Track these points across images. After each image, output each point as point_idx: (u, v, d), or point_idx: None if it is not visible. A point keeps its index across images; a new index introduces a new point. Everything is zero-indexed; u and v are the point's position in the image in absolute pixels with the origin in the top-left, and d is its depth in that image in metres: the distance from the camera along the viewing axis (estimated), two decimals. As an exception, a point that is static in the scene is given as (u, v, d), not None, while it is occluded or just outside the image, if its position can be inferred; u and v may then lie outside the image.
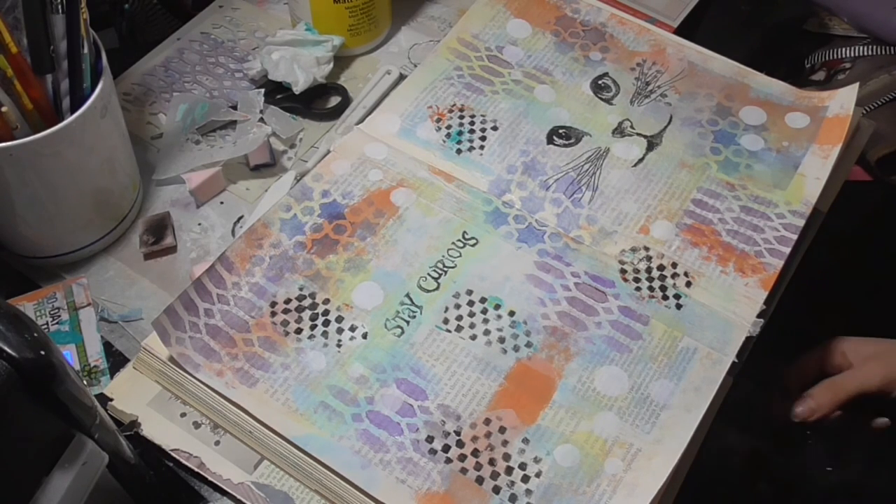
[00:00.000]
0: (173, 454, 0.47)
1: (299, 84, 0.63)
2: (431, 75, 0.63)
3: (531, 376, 0.49)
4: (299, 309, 0.51)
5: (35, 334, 0.32)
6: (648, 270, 0.54)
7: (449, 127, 0.60)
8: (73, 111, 0.50)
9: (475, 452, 0.46)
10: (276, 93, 0.65)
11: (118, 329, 0.54)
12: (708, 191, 0.58)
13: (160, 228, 0.58)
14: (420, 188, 0.57)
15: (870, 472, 0.65)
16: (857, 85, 0.62)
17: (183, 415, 0.48)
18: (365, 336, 0.50)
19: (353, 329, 0.50)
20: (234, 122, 0.63)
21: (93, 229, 0.56)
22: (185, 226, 0.59)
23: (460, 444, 0.46)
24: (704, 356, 0.50)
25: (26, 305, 0.53)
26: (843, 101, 0.61)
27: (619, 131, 0.61)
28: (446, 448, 0.46)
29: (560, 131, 0.61)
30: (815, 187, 0.57)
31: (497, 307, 0.52)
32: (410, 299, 0.52)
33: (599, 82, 0.64)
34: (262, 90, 0.63)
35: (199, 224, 0.59)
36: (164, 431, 0.48)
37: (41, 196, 0.51)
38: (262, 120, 0.62)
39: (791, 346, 0.62)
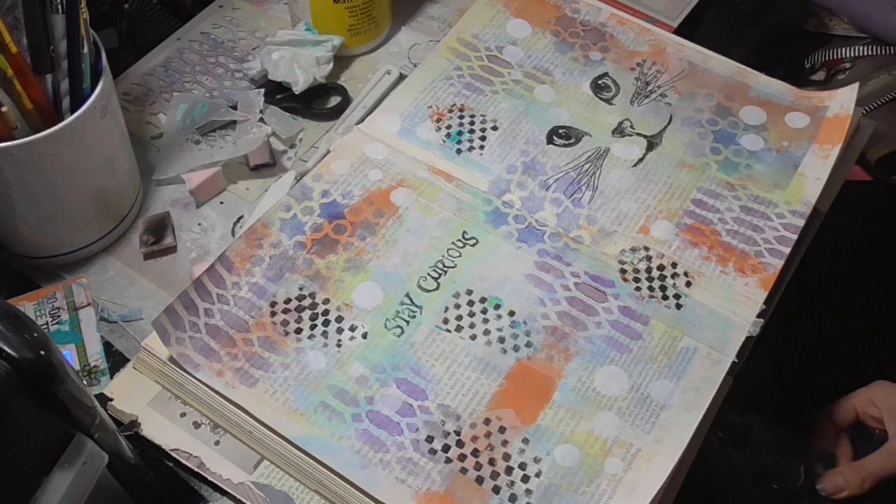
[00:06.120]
0: (173, 454, 0.47)
1: (299, 84, 0.63)
2: (431, 75, 0.63)
3: (531, 376, 0.49)
4: (299, 309, 0.51)
5: (35, 334, 0.32)
6: (648, 270, 0.53)
7: (449, 127, 0.60)
8: (73, 111, 0.50)
9: (475, 452, 0.46)
10: (276, 93, 0.65)
11: (118, 329, 0.54)
12: (708, 191, 0.58)
13: (160, 228, 0.58)
14: (420, 188, 0.57)
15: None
16: (857, 85, 0.62)
17: (183, 415, 0.48)
18: (365, 336, 0.50)
19: (352, 329, 0.50)
20: (234, 122, 0.63)
21: (93, 229, 0.56)
22: (185, 226, 0.59)
23: (460, 443, 0.46)
24: (704, 356, 0.50)
25: (26, 305, 0.53)
26: (843, 101, 0.61)
27: (619, 131, 0.61)
28: (446, 448, 0.46)
29: (560, 131, 0.60)
30: (815, 187, 0.57)
31: (497, 307, 0.52)
32: (410, 299, 0.52)
33: (599, 82, 0.64)
34: (262, 90, 0.63)
35: (199, 224, 0.59)
36: (164, 431, 0.48)
37: (41, 196, 0.51)
38: (262, 120, 0.62)
39: (791, 346, 0.62)
